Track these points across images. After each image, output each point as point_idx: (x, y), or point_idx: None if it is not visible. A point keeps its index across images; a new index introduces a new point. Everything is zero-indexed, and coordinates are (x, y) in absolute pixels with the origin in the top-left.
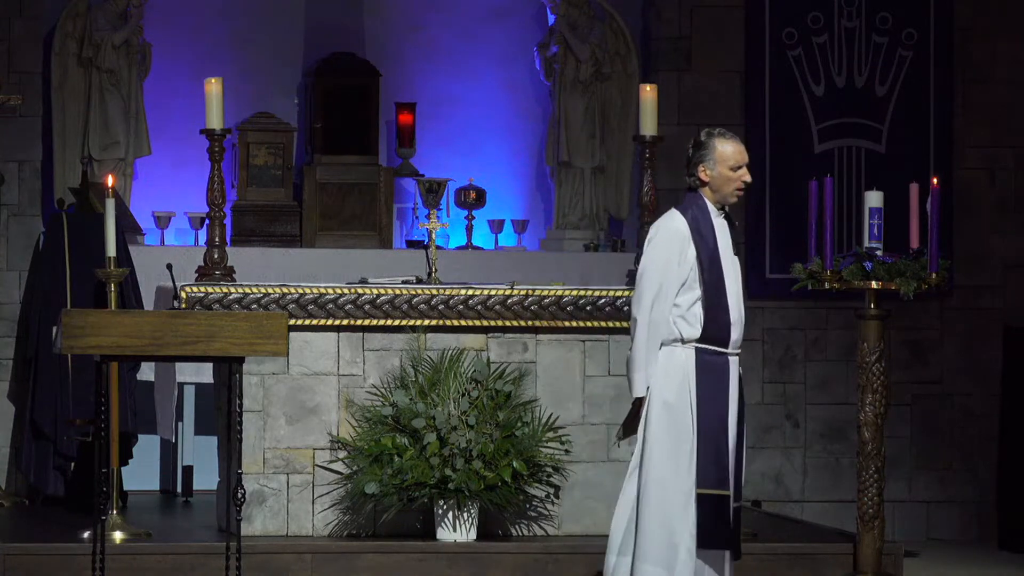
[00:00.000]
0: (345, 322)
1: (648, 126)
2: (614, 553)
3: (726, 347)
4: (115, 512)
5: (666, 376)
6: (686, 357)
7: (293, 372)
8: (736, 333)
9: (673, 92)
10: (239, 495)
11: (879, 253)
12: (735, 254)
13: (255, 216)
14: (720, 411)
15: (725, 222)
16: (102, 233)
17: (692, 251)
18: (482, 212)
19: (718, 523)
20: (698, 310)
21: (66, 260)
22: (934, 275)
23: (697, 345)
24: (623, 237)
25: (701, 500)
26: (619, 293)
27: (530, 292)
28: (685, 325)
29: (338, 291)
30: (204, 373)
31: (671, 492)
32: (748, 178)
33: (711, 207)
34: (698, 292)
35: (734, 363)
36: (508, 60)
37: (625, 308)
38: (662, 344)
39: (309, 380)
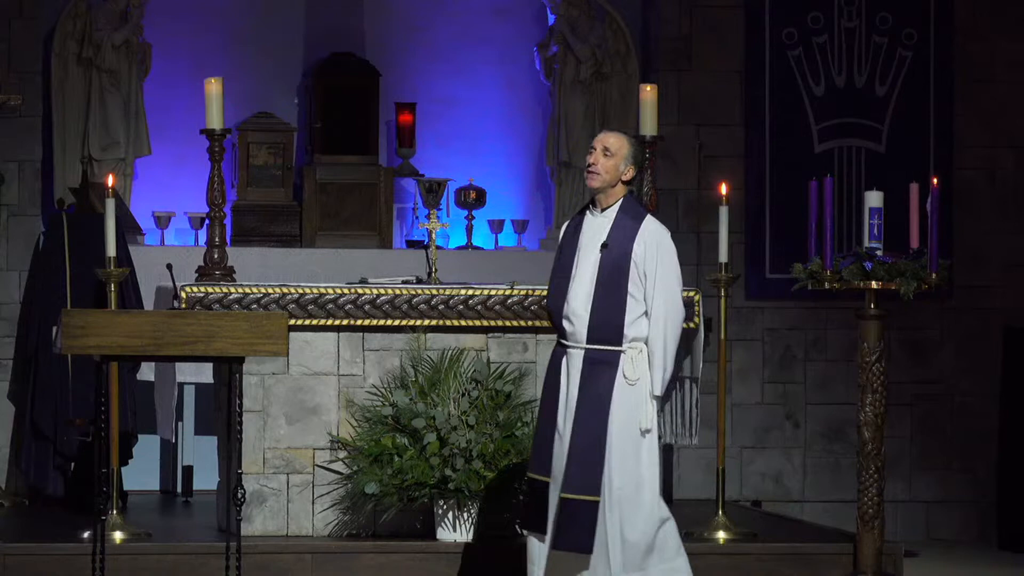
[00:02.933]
0: (345, 322)
1: (648, 126)
2: None
3: (565, 339)
4: (115, 512)
5: None
6: None
7: (293, 372)
8: (571, 327)
9: (673, 92)
10: (239, 495)
11: (879, 253)
12: (621, 253)
13: (255, 216)
14: (547, 401)
15: (607, 220)
16: (102, 233)
17: (558, 251)
18: (482, 212)
19: (534, 507)
20: (548, 302)
21: (66, 260)
22: (934, 275)
23: (557, 337)
24: None
25: (528, 482)
26: None
27: (530, 292)
28: None
29: (338, 291)
30: (204, 373)
31: None
32: (590, 160)
33: (593, 205)
34: (549, 287)
35: (574, 356)
36: (508, 60)
37: None
38: None
39: (309, 380)
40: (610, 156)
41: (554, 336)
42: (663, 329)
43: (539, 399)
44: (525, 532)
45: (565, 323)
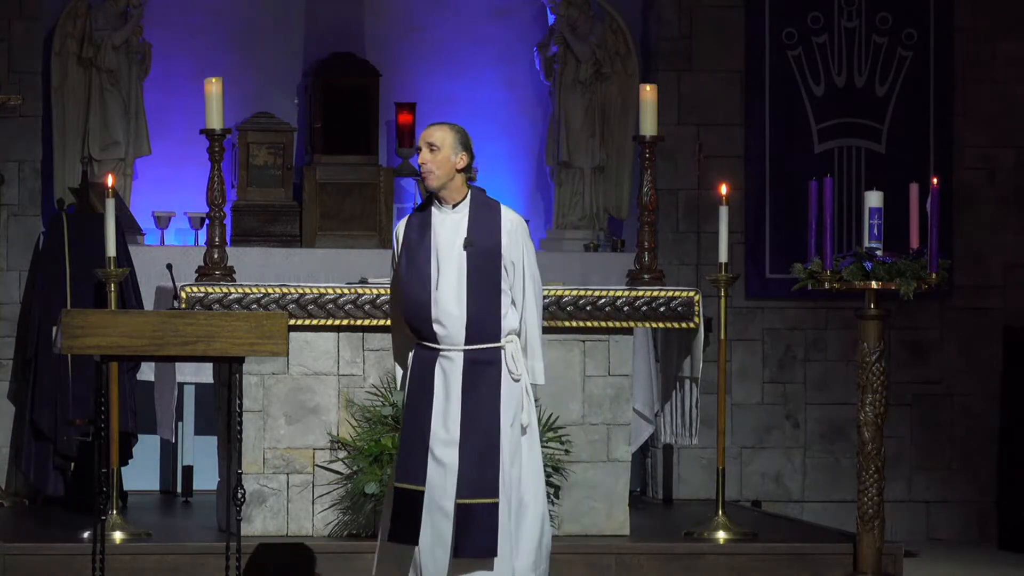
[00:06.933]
0: (345, 322)
1: (648, 126)
2: None
3: (435, 343)
4: (115, 512)
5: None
6: (411, 354)
7: (293, 372)
8: (445, 330)
9: (673, 92)
10: (239, 495)
11: (879, 253)
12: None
13: (255, 216)
14: (418, 408)
15: (461, 216)
16: (102, 233)
17: (399, 254)
18: None
19: (404, 517)
20: (405, 308)
21: (66, 260)
22: (934, 275)
23: (417, 342)
24: (623, 237)
25: (395, 492)
26: (619, 293)
27: None
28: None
29: (338, 291)
30: (204, 373)
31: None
32: (422, 160)
33: (437, 202)
34: (405, 292)
35: (451, 359)
36: (508, 60)
37: (625, 308)
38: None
39: (309, 380)
40: (437, 150)
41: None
42: (536, 316)
43: (403, 406)
44: (394, 543)
45: (436, 327)
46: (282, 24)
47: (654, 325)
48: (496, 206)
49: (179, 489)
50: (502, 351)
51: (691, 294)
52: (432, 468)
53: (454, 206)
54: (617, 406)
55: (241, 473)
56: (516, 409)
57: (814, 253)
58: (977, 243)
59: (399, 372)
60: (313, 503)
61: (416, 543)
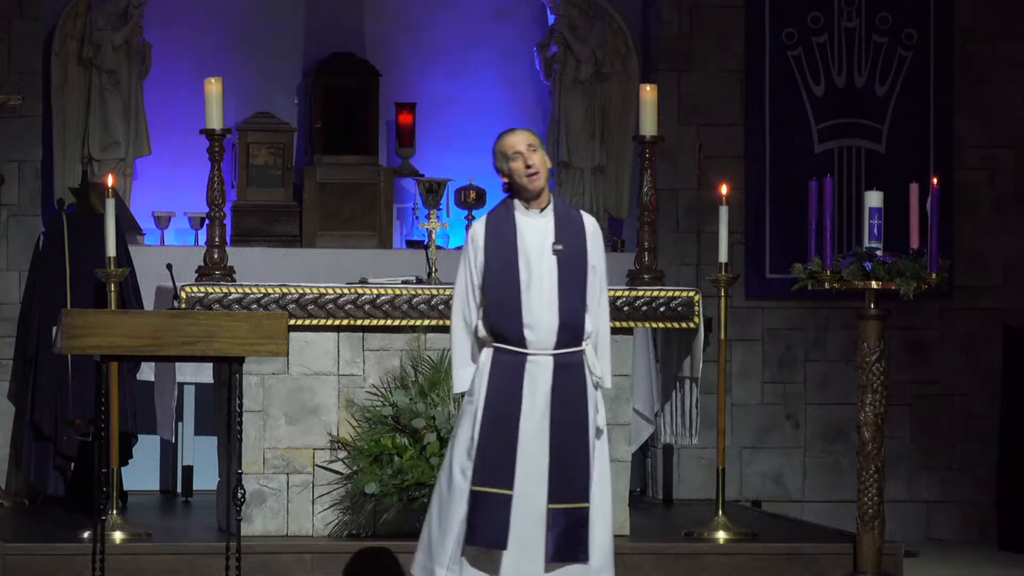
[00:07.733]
0: (345, 322)
1: (648, 126)
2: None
3: (523, 347)
4: (115, 512)
5: (477, 376)
6: (486, 356)
7: (293, 372)
8: (535, 334)
9: (673, 92)
10: (239, 495)
11: (879, 253)
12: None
13: (255, 216)
14: (507, 410)
15: (547, 220)
16: (102, 233)
17: (482, 256)
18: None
19: (489, 520)
20: (490, 311)
21: (66, 260)
22: (934, 275)
23: (495, 345)
24: (623, 237)
25: (472, 496)
26: (619, 293)
27: None
28: (482, 326)
29: (338, 291)
30: (204, 373)
31: (448, 485)
32: (530, 162)
33: (520, 206)
34: (490, 295)
35: (540, 363)
36: (508, 60)
37: (625, 308)
38: (484, 345)
39: (309, 380)
40: (535, 150)
41: None
42: (607, 320)
43: (479, 410)
44: (477, 547)
45: (527, 331)
46: (282, 24)
47: (654, 325)
48: (576, 210)
49: (179, 489)
50: (583, 355)
51: (691, 294)
52: (523, 473)
53: (541, 210)
54: (617, 406)
55: (241, 473)
56: (595, 414)
57: (814, 253)
58: (977, 243)
59: (463, 373)
60: (313, 503)
61: (505, 547)
